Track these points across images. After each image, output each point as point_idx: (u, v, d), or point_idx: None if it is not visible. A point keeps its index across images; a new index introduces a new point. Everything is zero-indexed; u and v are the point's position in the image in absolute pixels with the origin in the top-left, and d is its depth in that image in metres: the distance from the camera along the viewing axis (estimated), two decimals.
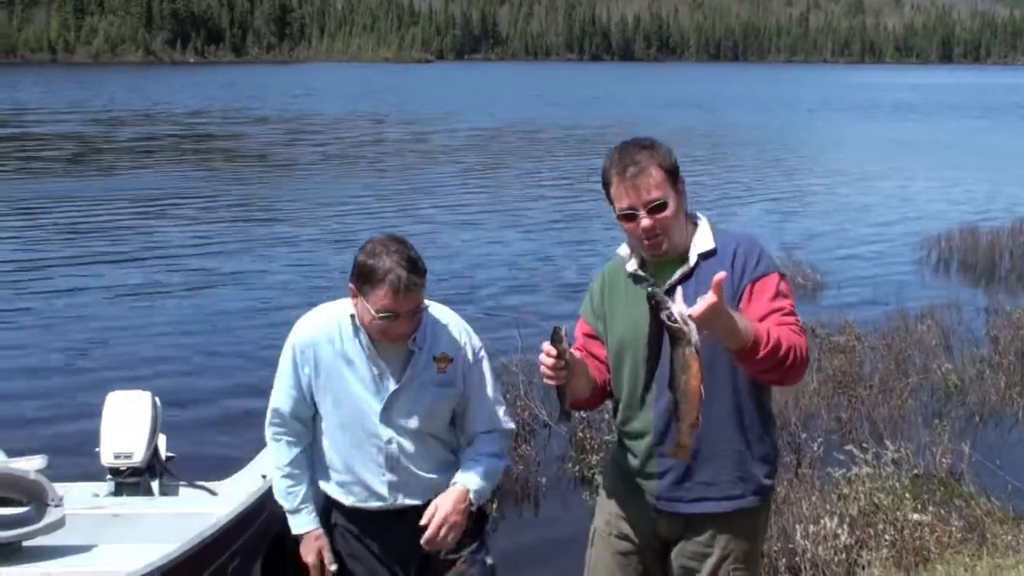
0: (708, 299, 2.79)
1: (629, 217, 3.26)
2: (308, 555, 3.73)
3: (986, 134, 44.36)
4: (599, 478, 7.01)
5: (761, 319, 3.12)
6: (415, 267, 3.42)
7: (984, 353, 10.30)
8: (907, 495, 6.29)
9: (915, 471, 6.96)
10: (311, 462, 3.76)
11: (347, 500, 3.70)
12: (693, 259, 3.30)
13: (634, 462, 3.47)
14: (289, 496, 3.74)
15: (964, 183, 26.42)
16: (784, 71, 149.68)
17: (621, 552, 3.59)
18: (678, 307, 2.82)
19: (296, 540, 3.78)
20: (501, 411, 3.82)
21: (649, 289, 2.91)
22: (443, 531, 3.57)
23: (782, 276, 3.31)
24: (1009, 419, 8.96)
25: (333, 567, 3.73)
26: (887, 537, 5.93)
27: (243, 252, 16.19)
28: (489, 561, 3.78)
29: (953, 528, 6.16)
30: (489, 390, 3.78)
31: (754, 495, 3.41)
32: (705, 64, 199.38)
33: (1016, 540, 6.21)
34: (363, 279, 3.43)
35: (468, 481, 3.66)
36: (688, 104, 63.71)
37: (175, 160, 30.68)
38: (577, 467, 7.63)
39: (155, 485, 5.92)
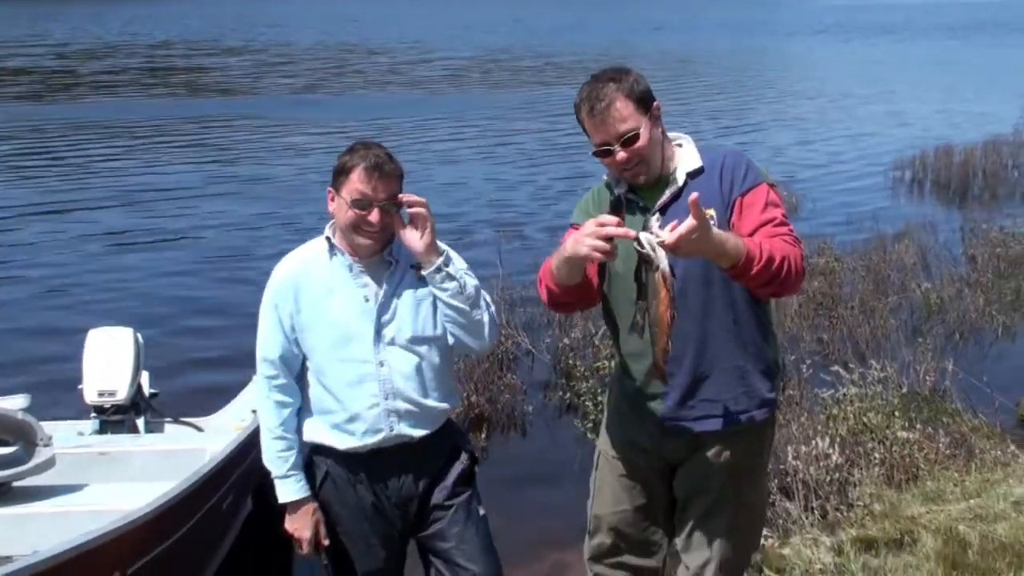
0: (686, 224, 2.71)
1: (604, 153, 3.21)
2: (302, 529, 3.56)
3: (958, 53, 44.45)
4: (588, 404, 7.04)
5: (752, 233, 3.06)
6: (391, 156, 3.39)
7: (962, 272, 10.35)
8: (895, 414, 6.30)
9: (901, 390, 6.97)
10: (301, 423, 3.61)
11: (342, 443, 3.52)
12: (681, 179, 3.23)
13: (636, 384, 3.43)
14: (278, 460, 3.56)
15: (937, 102, 26.50)
16: None
17: (626, 475, 3.56)
18: (645, 234, 2.78)
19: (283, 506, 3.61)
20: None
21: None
22: (420, 222, 3.40)
23: (771, 185, 3.24)
24: (989, 335, 9.02)
25: (327, 542, 3.60)
26: (877, 455, 5.95)
27: (219, 192, 15.89)
28: (482, 512, 3.68)
29: (941, 445, 6.20)
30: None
31: (759, 408, 3.37)
32: None
33: (1003, 454, 6.26)
34: (339, 172, 3.37)
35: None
36: (665, 29, 63.18)
37: (144, 95, 30.13)
38: (564, 394, 7.60)
39: (140, 422, 5.84)
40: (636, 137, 3.16)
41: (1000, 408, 6.99)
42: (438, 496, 3.62)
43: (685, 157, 3.28)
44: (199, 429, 5.95)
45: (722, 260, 2.87)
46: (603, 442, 3.66)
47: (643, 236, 2.78)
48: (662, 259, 2.78)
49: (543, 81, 34.21)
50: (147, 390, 6.17)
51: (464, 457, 3.67)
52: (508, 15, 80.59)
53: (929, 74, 34.71)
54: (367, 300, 3.46)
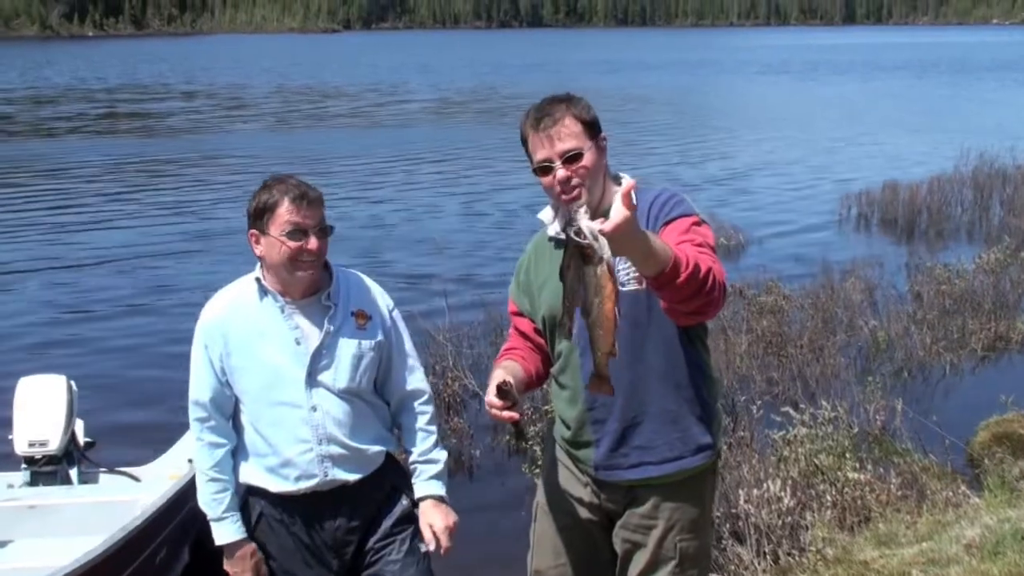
0: (619, 212, 2.51)
1: (545, 170, 3.10)
2: (241, 572, 3.47)
3: (902, 91, 45.09)
4: (536, 449, 6.89)
5: None
6: (309, 186, 3.35)
7: (908, 309, 10.37)
8: (846, 455, 6.24)
9: (851, 430, 6.92)
10: (236, 464, 3.52)
11: (276, 486, 3.44)
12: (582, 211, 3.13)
13: (569, 432, 3.34)
14: (213, 502, 3.47)
15: (883, 140, 26.74)
16: (692, 35, 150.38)
17: (565, 527, 3.44)
18: (587, 222, 2.58)
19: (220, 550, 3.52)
20: (422, 372, 3.70)
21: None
22: (450, 537, 3.57)
23: (702, 221, 3.11)
24: (937, 373, 9.02)
25: None
26: (828, 498, 5.88)
27: (152, 227, 15.64)
28: (423, 548, 3.60)
29: (892, 486, 6.16)
30: (409, 347, 3.65)
31: (695, 455, 3.25)
32: (614, 29, 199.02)
33: (954, 495, 6.22)
34: (260, 212, 3.30)
35: (434, 488, 3.61)
36: (602, 69, 63.58)
37: (80, 135, 29.78)
38: (511, 439, 7.46)
39: (74, 473, 5.63)
40: (580, 156, 3.07)
41: (950, 447, 6.95)
42: (376, 537, 3.55)
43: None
44: (136, 479, 5.75)
45: (649, 261, 2.64)
46: (541, 493, 3.55)
47: (584, 224, 2.56)
48: (605, 249, 2.54)
49: (489, 117, 34.25)
50: (81, 439, 5.96)
51: (404, 499, 3.60)
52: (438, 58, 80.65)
53: (875, 111, 35.20)
54: (299, 343, 3.39)
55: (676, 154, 24.67)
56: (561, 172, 3.07)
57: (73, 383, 5.77)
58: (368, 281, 3.61)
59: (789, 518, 5.60)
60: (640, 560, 3.33)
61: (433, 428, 3.67)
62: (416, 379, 3.65)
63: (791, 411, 6.73)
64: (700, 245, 2.98)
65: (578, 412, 3.26)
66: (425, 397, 3.67)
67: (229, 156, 23.78)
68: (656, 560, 3.30)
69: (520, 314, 3.41)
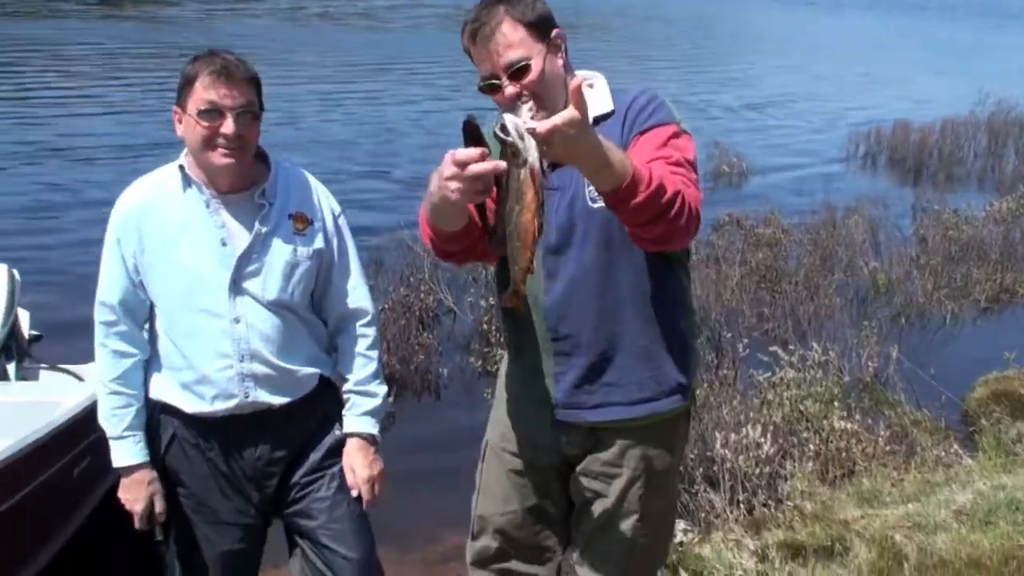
0: (563, 114, 2.13)
1: (491, 88, 2.61)
2: (134, 501, 3.03)
3: (924, 29, 44.07)
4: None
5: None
6: (242, 60, 2.86)
7: (912, 253, 9.92)
8: (835, 403, 5.83)
9: (842, 376, 6.51)
10: (147, 378, 3.07)
11: (190, 406, 2.99)
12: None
13: (528, 362, 2.88)
14: (113, 419, 3.02)
15: (896, 78, 26.02)
16: None
17: (516, 471, 3.01)
18: (511, 117, 2.18)
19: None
20: (366, 290, 3.22)
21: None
22: (376, 489, 3.15)
23: (684, 131, 2.65)
24: (936, 322, 8.60)
25: (163, 517, 3.07)
26: (811, 447, 5.48)
27: (101, 114, 15.02)
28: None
29: (880, 439, 5.77)
30: (354, 261, 3.17)
31: (668, 396, 2.82)
32: None
33: (946, 454, 5.83)
34: (183, 85, 2.83)
35: (364, 425, 3.15)
36: None
37: (77, 18, 28.86)
38: (481, 361, 7.03)
39: (11, 368, 5.20)
40: (527, 68, 2.57)
41: (945, 402, 6.55)
42: (303, 471, 3.12)
43: (593, 99, 2.65)
44: (79, 379, 5.28)
45: (601, 175, 2.26)
46: (491, 431, 3.10)
47: (509, 120, 2.17)
48: (531, 151, 2.18)
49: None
50: (26, 332, 5.53)
51: (337, 429, 3.17)
52: None
53: (896, 49, 34.34)
54: (224, 244, 2.91)
55: (689, 77, 23.96)
56: (509, 89, 2.58)
57: (16, 272, 5.34)
58: (313, 181, 3.12)
59: (768, 467, 5.20)
60: (598, 512, 2.92)
61: (374, 355, 3.21)
62: (359, 297, 3.18)
63: (779, 351, 6.30)
64: (676, 164, 2.53)
65: (539, 342, 2.82)
66: (367, 318, 3.20)
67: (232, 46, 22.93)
68: (616, 513, 2.90)
69: None
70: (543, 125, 2.12)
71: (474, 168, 2.20)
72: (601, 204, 2.58)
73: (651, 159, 2.47)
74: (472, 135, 2.25)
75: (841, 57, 31.01)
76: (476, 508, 3.14)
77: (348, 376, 3.16)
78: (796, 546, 4.46)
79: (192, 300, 2.92)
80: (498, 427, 3.06)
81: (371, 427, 3.15)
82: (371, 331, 3.20)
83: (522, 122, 2.17)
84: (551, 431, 2.89)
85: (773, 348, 6.36)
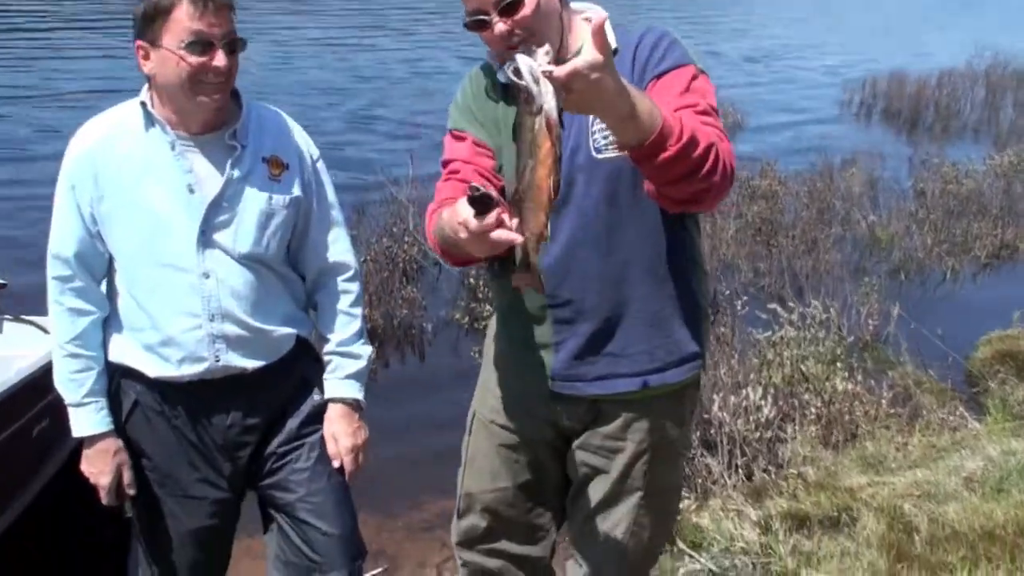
0: (588, 54, 1.84)
1: (479, 24, 2.32)
2: (99, 474, 2.74)
3: None
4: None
5: None
6: None
7: (910, 207, 9.65)
8: (837, 363, 5.58)
9: (843, 335, 6.25)
10: (106, 338, 2.76)
11: (154, 369, 2.68)
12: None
13: (522, 330, 2.59)
14: (71, 383, 2.71)
15: (894, 29, 25.62)
16: None
17: (507, 445, 2.74)
18: (525, 59, 1.91)
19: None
20: (348, 242, 2.92)
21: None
22: (360, 459, 2.89)
23: (701, 71, 2.37)
24: (936, 277, 8.36)
25: (132, 491, 2.78)
26: (813, 410, 5.24)
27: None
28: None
29: (883, 400, 5.51)
30: (334, 209, 2.88)
31: (680, 365, 2.55)
32: None
33: (951, 416, 5.60)
34: (151, 16, 2.48)
35: (348, 389, 2.86)
36: None
37: None
38: (468, 317, 6.75)
39: None
40: (519, 3, 2.27)
41: (949, 362, 6.30)
42: (280, 439, 2.83)
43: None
44: (45, 331, 4.97)
45: (628, 126, 1.98)
46: (479, 401, 2.82)
47: (523, 62, 1.90)
48: (547, 96, 1.90)
49: None
50: None
51: (316, 394, 2.88)
52: None
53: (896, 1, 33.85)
54: (192, 190, 2.58)
55: (685, 24, 23.50)
56: (500, 26, 2.28)
57: None
58: (288, 121, 2.81)
59: (768, 432, 4.95)
60: (599, 489, 2.66)
61: (358, 312, 2.91)
62: (340, 250, 2.88)
63: (779, 308, 6.02)
64: (704, 112, 2.25)
65: (535, 307, 2.53)
66: (350, 273, 2.91)
67: None
68: (619, 491, 2.63)
69: (479, 145, 2.51)
70: (562, 69, 1.84)
71: (493, 236, 1.91)
72: (607, 155, 2.31)
73: (676, 108, 2.16)
74: (482, 203, 1.92)
75: (842, 8, 30.51)
76: (462, 484, 2.86)
77: (329, 336, 2.88)
78: (800, 516, 4.22)
79: (156, 253, 2.60)
80: (487, 397, 2.78)
81: (355, 391, 2.87)
82: (354, 287, 2.91)
83: (537, 65, 1.89)
84: (547, 403, 2.61)
85: (772, 305, 6.08)
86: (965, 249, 8.75)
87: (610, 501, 2.65)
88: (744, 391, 5.08)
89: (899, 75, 15.58)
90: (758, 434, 4.91)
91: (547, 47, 1.96)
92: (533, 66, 1.88)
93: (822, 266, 7.85)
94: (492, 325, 2.83)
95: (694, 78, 2.33)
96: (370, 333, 6.19)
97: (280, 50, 15.14)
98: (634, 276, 2.46)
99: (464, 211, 1.92)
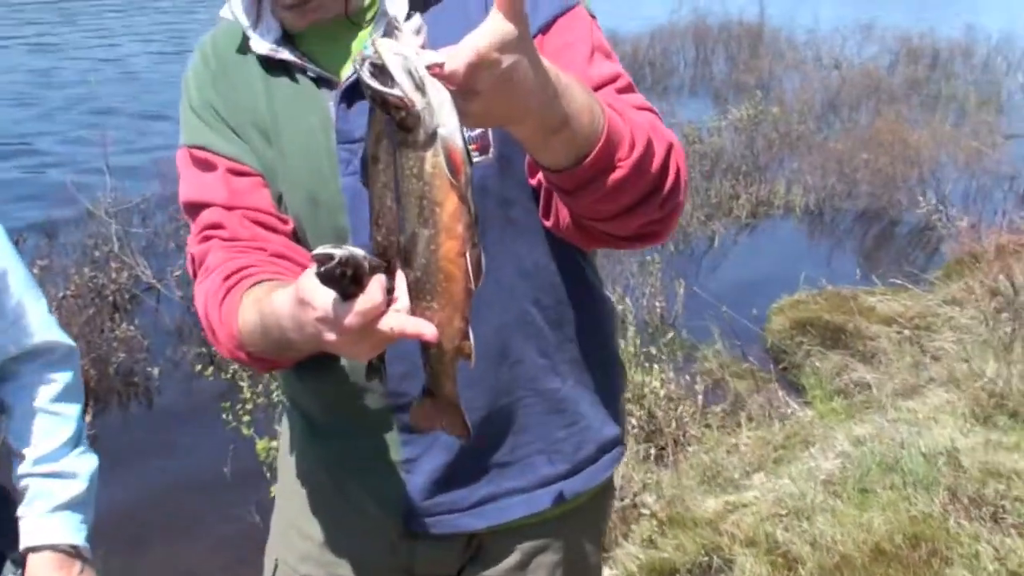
0: (488, 26, 1.07)
1: None
2: None
3: None
4: (236, 366, 5.04)
5: None
6: None
7: None
8: (653, 365, 4.89)
9: (648, 328, 5.63)
10: None
11: None
12: (395, 7, 1.40)
13: (348, 440, 1.63)
14: None
15: None
16: None
17: None
18: (392, 47, 1.06)
19: None
20: (44, 311, 1.95)
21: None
22: None
23: (592, 14, 1.53)
24: (703, 244, 7.92)
25: None
26: (634, 421, 4.52)
27: None
28: None
29: (699, 396, 4.88)
30: (18, 274, 1.91)
31: (597, 459, 1.68)
32: None
33: (772, 401, 5.04)
34: None
35: (58, 531, 1.87)
36: None
37: None
38: (203, 349, 5.56)
39: None
40: None
41: (744, 335, 5.79)
42: None
43: None
44: None
45: (557, 140, 1.21)
46: (283, 544, 1.80)
47: (388, 53, 1.04)
48: (443, 112, 1.06)
49: None
50: None
51: (8, 568, 1.90)
52: None
53: None
54: None
55: None
56: None
57: None
58: None
59: None
60: None
61: (71, 411, 1.94)
62: (37, 325, 1.91)
63: None
64: (629, 90, 1.47)
65: (372, 404, 1.57)
66: (57, 354, 1.94)
67: None
68: None
69: (240, 172, 1.52)
70: (459, 56, 1.06)
71: (387, 328, 1.09)
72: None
73: (593, 87, 1.36)
74: (345, 278, 1.06)
75: None
76: None
77: (24, 451, 1.89)
78: (666, 570, 3.44)
79: None
80: (293, 540, 1.77)
81: (71, 532, 1.88)
82: (62, 374, 1.94)
83: (414, 55, 1.06)
84: (395, 548, 1.66)
85: None
86: (725, 211, 8.35)
87: None
88: None
89: (612, 36, 15.31)
90: None
91: (417, 18, 1.13)
92: (410, 59, 1.05)
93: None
94: (286, 427, 1.83)
95: (593, 27, 1.51)
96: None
97: None
98: (518, 341, 1.57)
99: (319, 297, 1.09)
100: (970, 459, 4.01)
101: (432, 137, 1.05)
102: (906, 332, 5.64)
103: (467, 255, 1.09)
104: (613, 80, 1.45)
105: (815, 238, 8.21)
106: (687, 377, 5.04)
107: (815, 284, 6.40)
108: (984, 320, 5.44)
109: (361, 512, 1.65)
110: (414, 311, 1.10)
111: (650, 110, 1.42)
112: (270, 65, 1.49)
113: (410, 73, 1.03)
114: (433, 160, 1.05)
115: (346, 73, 1.45)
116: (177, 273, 6.18)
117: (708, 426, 4.79)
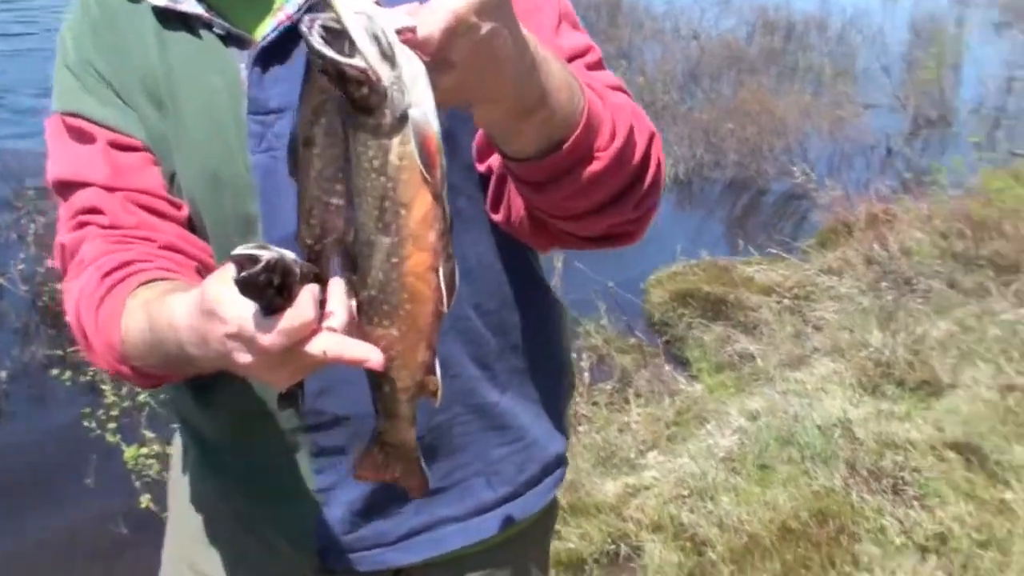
0: None
1: None
2: None
3: None
4: (95, 370, 4.62)
5: None
6: None
7: None
8: None
9: None
10: None
11: None
12: None
13: (253, 468, 1.41)
14: None
15: None
16: None
17: None
18: (351, 5, 0.83)
19: None
20: None
21: None
22: None
23: None
24: None
25: None
26: None
27: None
28: None
29: (585, 373, 4.78)
30: None
31: (540, 482, 1.50)
32: None
33: (658, 376, 4.92)
34: None
35: None
36: None
37: None
38: (53, 349, 5.12)
39: None
40: None
41: (622, 308, 5.67)
42: None
43: None
44: None
45: (531, 122, 1.02)
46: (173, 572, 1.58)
47: (348, 15, 0.81)
48: (417, 87, 0.83)
49: None
50: None
51: None
52: None
53: None
54: None
55: None
56: None
57: None
58: None
59: None
60: None
61: None
62: None
63: None
64: (599, 66, 1.27)
65: (275, 424, 1.35)
66: None
67: None
68: None
69: (114, 147, 1.26)
70: (431, 18, 0.86)
71: (317, 349, 0.88)
72: None
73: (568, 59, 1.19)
74: (271, 286, 0.85)
75: None
76: None
77: None
78: (573, 561, 3.29)
79: None
80: (186, 573, 1.53)
81: None
82: None
83: (380, 16, 0.84)
84: None
85: None
86: None
87: None
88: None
89: None
90: None
91: None
92: (375, 21, 0.83)
93: None
94: (178, 445, 1.58)
95: None
96: None
97: None
98: (454, 351, 1.36)
99: (232, 309, 0.87)
100: (864, 430, 3.98)
101: (401, 120, 0.83)
102: (786, 302, 5.61)
103: (439, 270, 0.87)
104: (583, 54, 1.25)
105: (685, 209, 8.16)
106: (572, 354, 4.88)
107: (691, 255, 6.33)
108: (863, 289, 5.45)
109: (269, 546, 1.41)
110: (367, 338, 0.88)
111: (623, 91, 1.23)
112: (167, 17, 1.23)
113: (376, 38, 0.81)
114: (400, 150, 0.84)
115: (263, 31, 1.21)
116: (21, 265, 5.69)
117: (595, 403, 4.66)
